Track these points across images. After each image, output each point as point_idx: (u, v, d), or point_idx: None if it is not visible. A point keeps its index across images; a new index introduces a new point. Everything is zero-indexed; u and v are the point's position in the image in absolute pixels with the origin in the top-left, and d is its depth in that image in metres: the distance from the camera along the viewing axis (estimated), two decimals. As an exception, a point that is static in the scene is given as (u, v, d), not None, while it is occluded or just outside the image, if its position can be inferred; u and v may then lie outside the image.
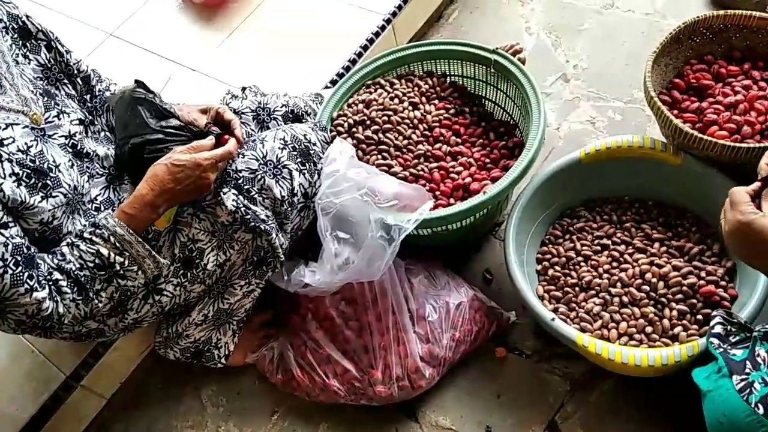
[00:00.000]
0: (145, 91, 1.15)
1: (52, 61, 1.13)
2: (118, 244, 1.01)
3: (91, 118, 1.17)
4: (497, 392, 1.30)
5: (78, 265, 0.99)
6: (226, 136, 1.16)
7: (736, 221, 0.90)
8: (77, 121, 1.11)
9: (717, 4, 1.76)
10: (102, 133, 1.18)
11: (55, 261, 0.99)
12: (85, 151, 1.10)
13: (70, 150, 1.08)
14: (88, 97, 1.19)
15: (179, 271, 1.14)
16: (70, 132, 1.09)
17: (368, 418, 1.32)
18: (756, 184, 0.93)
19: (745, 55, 1.37)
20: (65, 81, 1.15)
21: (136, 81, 1.17)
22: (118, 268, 1.02)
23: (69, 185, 1.03)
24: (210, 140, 1.13)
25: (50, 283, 0.97)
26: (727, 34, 1.36)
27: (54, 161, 1.02)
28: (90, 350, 1.38)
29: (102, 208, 1.11)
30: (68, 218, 1.04)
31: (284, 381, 1.35)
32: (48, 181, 1.00)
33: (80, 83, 1.18)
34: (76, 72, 1.17)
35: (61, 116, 1.09)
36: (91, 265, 1.00)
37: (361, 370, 1.27)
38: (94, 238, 1.00)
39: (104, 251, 1.00)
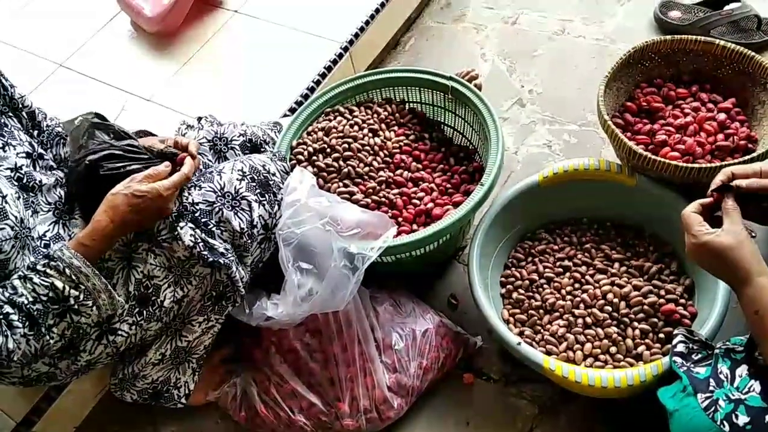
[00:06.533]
0: (103, 120, 1.14)
1: None
2: (74, 277, 0.97)
3: (40, 152, 1.13)
4: (466, 419, 1.29)
5: (31, 299, 0.95)
6: (182, 155, 1.14)
7: (691, 244, 0.92)
8: (24, 154, 1.08)
9: (663, 30, 1.83)
10: (50, 171, 1.14)
11: (6, 294, 0.94)
12: (31, 184, 1.07)
13: (16, 183, 1.04)
14: (35, 132, 1.16)
15: (134, 309, 1.10)
16: (16, 164, 1.05)
17: (336, 452, 1.29)
18: (708, 199, 0.96)
19: (693, 78, 1.41)
20: (10, 114, 1.11)
21: (95, 113, 1.15)
22: (72, 302, 0.98)
23: (16, 217, 0.99)
24: (166, 167, 1.10)
25: (1, 317, 0.92)
26: (674, 58, 1.41)
27: (0, 192, 0.98)
28: (42, 394, 1.31)
29: (52, 245, 1.06)
30: (18, 254, 0.99)
31: (248, 418, 1.31)
32: None
33: (25, 118, 1.15)
34: (20, 106, 1.14)
35: (6, 148, 1.05)
36: (45, 298, 0.95)
37: (328, 404, 1.24)
38: (48, 270, 0.96)
39: (59, 284, 0.96)
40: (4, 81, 1.12)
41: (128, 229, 1.05)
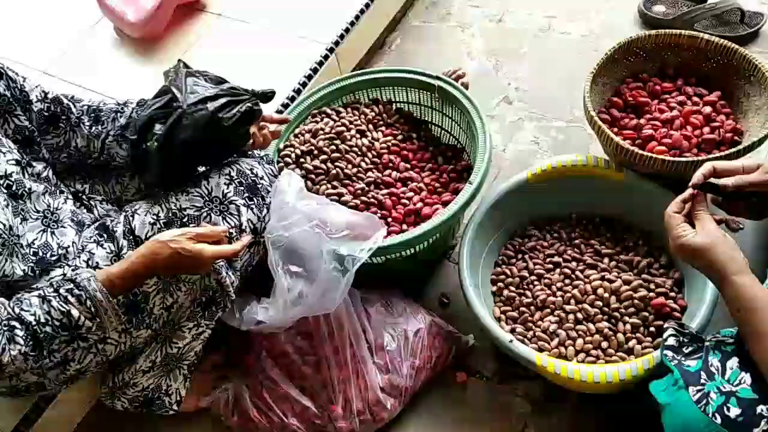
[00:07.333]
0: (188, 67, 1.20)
1: None
2: (93, 309, 0.96)
3: (27, 159, 1.11)
4: (460, 418, 1.28)
5: (42, 320, 0.93)
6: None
7: (672, 245, 0.96)
8: (14, 162, 1.06)
9: (648, 25, 1.84)
10: (39, 178, 1.12)
11: (17, 310, 0.93)
12: (20, 192, 1.05)
13: (5, 190, 1.03)
14: (61, 123, 1.15)
15: (124, 317, 1.08)
16: (6, 172, 1.04)
17: (331, 455, 1.28)
18: (686, 193, 0.97)
19: (678, 72, 1.42)
20: (17, 112, 1.09)
21: (180, 60, 1.20)
22: (83, 331, 0.97)
23: (4, 225, 0.98)
24: (224, 229, 1.10)
25: (5, 329, 0.91)
26: (659, 52, 1.41)
27: None
28: (31, 405, 1.29)
29: (40, 253, 1.05)
30: (6, 261, 0.98)
31: (241, 423, 1.30)
32: None
33: (38, 109, 1.12)
34: (37, 97, 1.12)
35: None
36: (57, 323, 0.94)
37: (321, 407, 1.24)
38: (69, 297, 0.95)
39: (75, 313, 0.95)
40: (11, 74, 1.09)
41: (155, 275, 1.05)
